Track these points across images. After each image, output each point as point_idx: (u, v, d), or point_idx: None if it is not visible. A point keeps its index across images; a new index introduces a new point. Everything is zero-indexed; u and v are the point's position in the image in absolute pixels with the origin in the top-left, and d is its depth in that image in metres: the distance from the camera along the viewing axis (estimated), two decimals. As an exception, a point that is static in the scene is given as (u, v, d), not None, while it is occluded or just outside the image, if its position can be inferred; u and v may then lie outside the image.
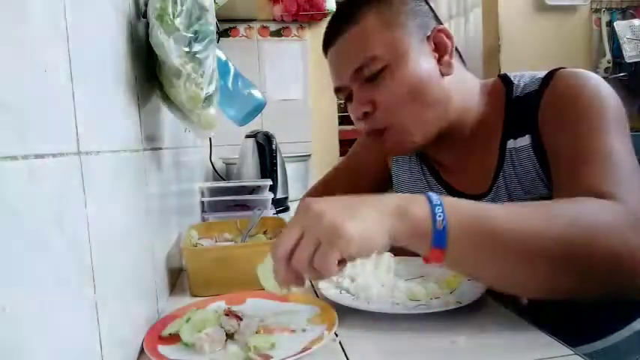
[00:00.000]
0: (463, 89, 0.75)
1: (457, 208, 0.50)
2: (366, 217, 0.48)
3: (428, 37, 0.72)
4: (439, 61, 0.72)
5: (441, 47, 0.73)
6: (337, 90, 0.77)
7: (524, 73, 0.76)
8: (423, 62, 0.71)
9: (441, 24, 0.76)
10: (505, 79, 0.77)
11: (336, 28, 0.74)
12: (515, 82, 0.75)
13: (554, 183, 0.66)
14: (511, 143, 0.72)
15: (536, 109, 0.69)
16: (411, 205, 0.49)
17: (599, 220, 0.51)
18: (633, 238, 0.50)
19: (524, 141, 0.71)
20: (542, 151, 0.69)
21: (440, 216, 0.48)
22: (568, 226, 0.50)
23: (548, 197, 0.67)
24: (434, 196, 0.51)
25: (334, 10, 2.07)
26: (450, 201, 0.51)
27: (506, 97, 0.74)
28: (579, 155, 0.61)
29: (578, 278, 0.50)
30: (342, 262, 0.48)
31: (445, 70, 0.72)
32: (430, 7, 0.76)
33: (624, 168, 0.58)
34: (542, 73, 0.72)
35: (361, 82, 0.71)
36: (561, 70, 0.70)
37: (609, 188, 0.56)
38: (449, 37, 0.73)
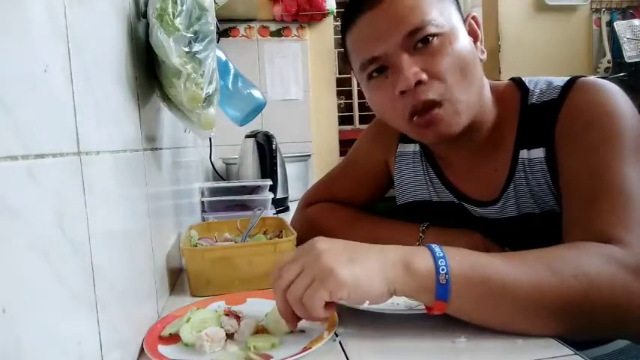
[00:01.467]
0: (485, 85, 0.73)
1: (460, 262, 0.50)
2: (366, 264, 0.49)
3: (464, 21, 0.71)
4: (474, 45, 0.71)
5: (473, 34, 0.71)
6: (371, 61, 0.68)
7: (539, 78, 0.73)
8: (468, 41, 0.69)
9: None
10: (519, 84, 0.74)
11: None
12: (531, 87, 0.72)
13: (564, 211, 0.64)
14: (524, 153, 0.70)
15: (553, 121, 0.67)
16: (414, 259, 0.50)
17: (601, 272, 0.51)
18: (637, 287, 0.50)
19: (538, 153, 0.69)
20: (556, 165, 0.67)
21: (443, 269, 0.49)
22: (570, 280, 0.50)
23: (559, 212, 0.66)
24: (436, 248, 0.51)
25: (334, 10, 2.08)
26: (452, 253, 0.51)
27: (521, 103, 0.72)
28: (592, 189, 0.60)
29: (581, 328, 0.51)
30: (330, 306, 0.49)
31: (481, 55, 0.71)
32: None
33: (637, 203, 0.57)
34: (559, 80, 0.70)
35: (410, 49, 0.65)
36: (582, 79, 0.67)
37: (618, 231, 0.55)
38: (479, 25, 0.72)
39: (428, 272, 0.49)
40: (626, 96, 0.66)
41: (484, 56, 0.71)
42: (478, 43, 0.71)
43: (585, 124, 0.63)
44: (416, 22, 0.64)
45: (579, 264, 0.51)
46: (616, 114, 0.63)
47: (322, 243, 0.51)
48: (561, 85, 0.69)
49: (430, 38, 0.64)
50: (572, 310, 0.49)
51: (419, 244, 0.78)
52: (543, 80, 0.72)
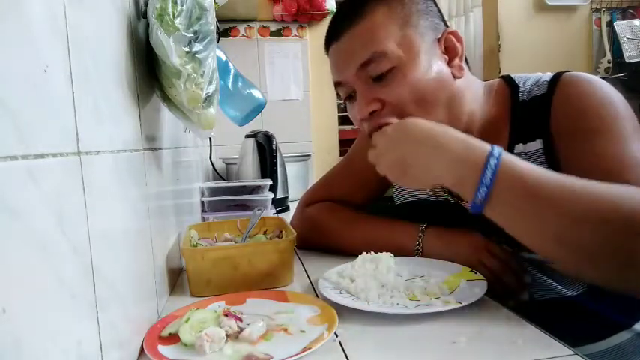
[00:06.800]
0: (472, 92, 0.74)
1: (510, 179, 0.56)
2: (431, 168, 0.61)
3: (439, 40, 0.71)
4: (449, 63, 0.71)
5: (451, 50, 0.71)
6: (337, 84, 0.75)
7: (529, 75, 0.74)
8: (434, 65, 0.69)
9: (447, 26, 0.74)
10: (509, 81, 0.75)
11: (341, 23, 0.71)
12: (520, 84, 0.73)
13: None
14: (520, 148, 0.71)
15: (546, 114, 0.68)
16: (466, 170, 0.58)
17: None
18: None
19: (536, 146, 0.70)
20: (554, 156, 0.68)
21: (483, 189, 0.56)
22: (624, 196, 0.52)
23: None
24: (492, 161, 0.56)
25: (334, 10, 2.07)
26: (506, 169, 0.56)
27: (512, 100, 0.73)
28: (609, 168, 0.60)
29: (624, 252, 0.51)
30: None
31: (457, 72, 0.70)
32: (439, 8, 0.75)
33: None
34: (546, 76, 0.71)
35: (367, 80, 0.69)
36: (567, 73, 0.69)
37: None
38: (459, 40, 0.72)
39: (470, 186, 0.57)
40: (612, 87, 0.67)
41: (461, 73, 0.71)
42: (456, 60, 0.71)
43: (579, 113, 0.65)
44: (366, 55, 0.68)
45: (625, 193, 0.53)
46: (607, 101, 0.65)
47: (410, 143, 0.63)
48: (548, 80, 0.70)
49: (384, 72, 0.67)
50: (620, 223, 0.50)
51: (418, 244, 0.78)
52: (532, 77, 0.74)
